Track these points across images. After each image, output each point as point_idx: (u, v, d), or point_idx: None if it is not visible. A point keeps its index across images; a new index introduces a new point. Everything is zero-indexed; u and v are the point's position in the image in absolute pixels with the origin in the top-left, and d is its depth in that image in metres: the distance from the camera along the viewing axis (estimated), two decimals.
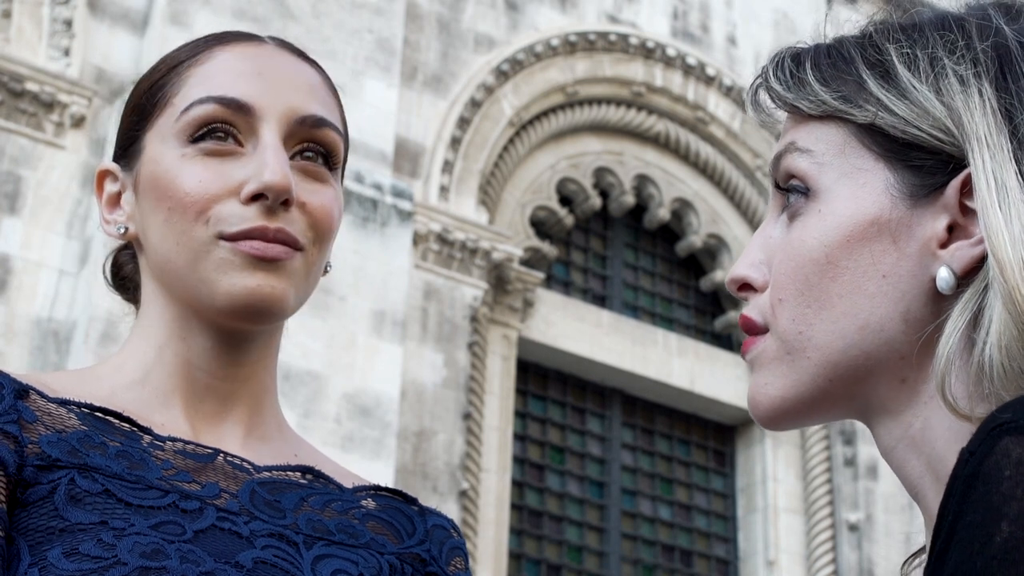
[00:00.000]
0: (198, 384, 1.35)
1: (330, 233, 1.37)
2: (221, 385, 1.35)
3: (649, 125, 12.33)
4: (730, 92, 12.49)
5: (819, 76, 1.09)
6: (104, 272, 1.47)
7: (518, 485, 11.06)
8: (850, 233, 1.04)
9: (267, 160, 1.32)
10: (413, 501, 1.40)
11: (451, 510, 9.88)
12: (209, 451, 1.30)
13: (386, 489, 1.39)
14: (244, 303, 1.31)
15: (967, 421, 0.98)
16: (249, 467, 1.31)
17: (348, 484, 1.37)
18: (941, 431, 1.02)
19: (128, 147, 1.40)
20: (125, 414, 1.30)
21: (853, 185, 1.06)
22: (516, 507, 10.96)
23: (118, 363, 1.37)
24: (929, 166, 1.03)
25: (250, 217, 1.31)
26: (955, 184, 1.02)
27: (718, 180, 12.57)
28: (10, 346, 8.75)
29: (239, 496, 1.28)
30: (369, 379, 9.53)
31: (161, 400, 1.34)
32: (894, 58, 1.06)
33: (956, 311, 1.00)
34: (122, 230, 1.39)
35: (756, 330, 1.10)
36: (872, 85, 1.06)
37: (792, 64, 1.11)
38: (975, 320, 0.99)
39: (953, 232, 1.03)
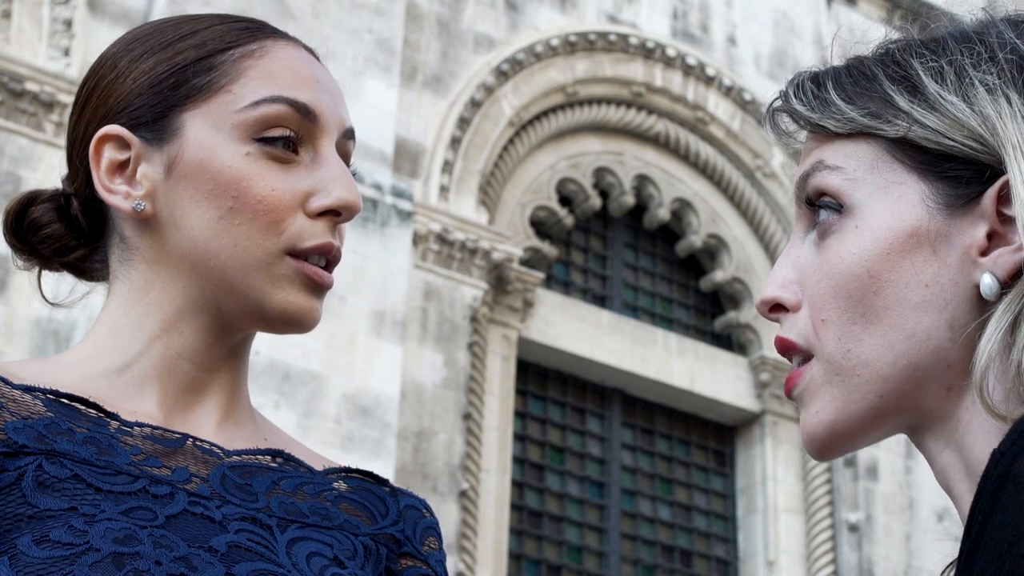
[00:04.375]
0: (182, 375, 1.33)
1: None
2: (203, 375, 1.34)
3: (649, 125, 12.33)
4: (730, 92, 12.50)
5: (843, 95, 1.10)
6: (6, 216, 1.38)
7: (518, 485, 11.07)
8: (890, 246, 1.06)
9: (337, 174, 1.31)
10: (385, 482, 1.39)
11: (451, 510, 9.88)
12: (178, 436, 1.29)
13: (357, 471, 1.38)
14: (293, 320, 1.32)
15: (1003, 422, 0.99)
16: (219, 451, 1.30)
17: (318, 467, 1.36)
18: (981, 434, 1.03)
19: (156, 120, 1.32)
20: (92, 400, 1.28)
21: (888, 199, 1.07)
22: (516, 507, 10.96)
23: (92, 350, 1.34)
24: (964, 176, 1.05)
25: (319, 232, 1.31)
26: (991, 193, 1.04)
27: (718, 180, 12.57)
28: (10, 346, 8.75)
29: (210, 480, 1.27)
30: (369, 379, 9.53)
31: (136, 388, 1.32)
32: (920, 72, 1.07)
33: (998, 313, 1.01)
34: (141, 207, 1.32)
35: (796, 350, 1.10)
36: (899, 100, 1.07)
37: (813, 85, 1.12)
38: (1015, 324, 1.00)
39: (992, 239, 1.04)
